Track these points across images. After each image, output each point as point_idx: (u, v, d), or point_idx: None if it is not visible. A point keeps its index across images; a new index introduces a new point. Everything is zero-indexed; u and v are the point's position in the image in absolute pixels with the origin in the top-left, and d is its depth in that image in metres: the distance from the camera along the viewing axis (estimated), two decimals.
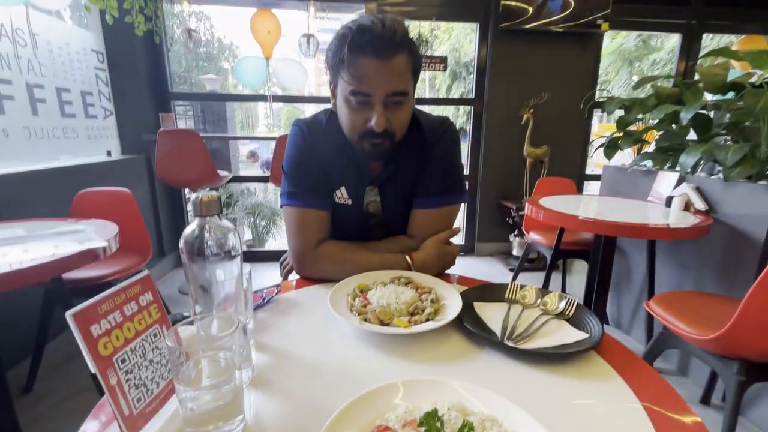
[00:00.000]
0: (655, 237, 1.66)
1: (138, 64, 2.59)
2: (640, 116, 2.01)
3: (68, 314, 0.34)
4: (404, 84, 0.73)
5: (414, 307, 0.60)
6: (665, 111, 1.62)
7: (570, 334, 0.57)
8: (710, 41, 4.05)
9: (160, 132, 2.27)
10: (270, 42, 2.73)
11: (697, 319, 1.19)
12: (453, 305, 0.63)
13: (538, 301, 0.67)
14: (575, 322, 0.61)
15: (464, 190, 0.89)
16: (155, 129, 2.37)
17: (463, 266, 3.14)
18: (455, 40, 9.52)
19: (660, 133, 1.98)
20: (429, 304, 0.61)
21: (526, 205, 1.81)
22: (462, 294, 0.66)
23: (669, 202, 1.67)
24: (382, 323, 0.57)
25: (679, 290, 1.75)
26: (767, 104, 1.28)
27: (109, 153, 2.52)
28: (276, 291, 0.71)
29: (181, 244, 0.42)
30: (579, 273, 2.90)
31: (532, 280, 2.86)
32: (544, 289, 0.69)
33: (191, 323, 0.41)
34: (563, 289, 2.67)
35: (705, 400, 1.52)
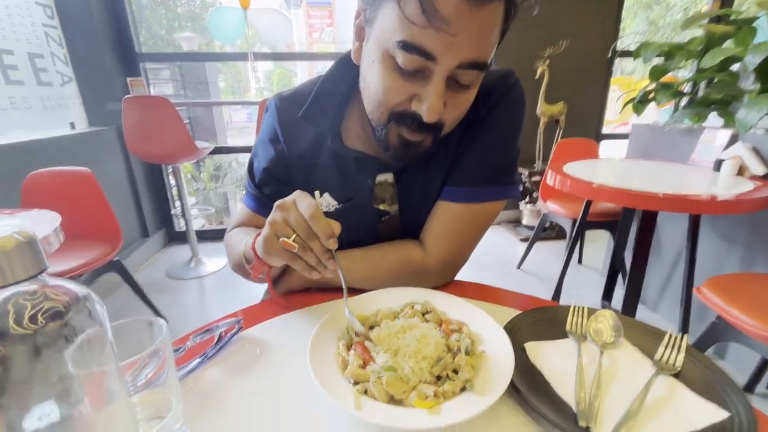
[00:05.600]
0: (723, 211, 1.39)
1: (95, 20, 2.23)
2: (681, 64, 1.72)
3: None
4: (488, 50, 0.45)
5: (442, 364, 0.39)
6: (722, 55, 1.34)
7: (695, 411, 0.36)
8: None
9: (125, 99, 1.98)
10: None
11: (766, 312, 1.00)
12: (498, 356, 0.41)
13: (620, 339, 0.45)
14: (692, 379, 0.40)
15: (515, 180, 0.60)
16: (123, 96, 2.08)
17: None
18: None
19: (705, 82, 1.70)
20: (464, 360, 0.39)
21: (549, 172, 1.57)
22: (507, 329, 0.45)
23: (718, 165, 1.43)
24: (392, 399, 0.36)
25: (720, 267, 1.56)
26: None
27: (72, 125, 2.23)
28: (237, 328, 0.50)
29: None
30: (593, 241, 2.69)
31: (548, 250, 2.66)
32: (614, 308, 0.47)
33: None
34: (579, 261, 2.48)
35: (749, 388, 1.36)
